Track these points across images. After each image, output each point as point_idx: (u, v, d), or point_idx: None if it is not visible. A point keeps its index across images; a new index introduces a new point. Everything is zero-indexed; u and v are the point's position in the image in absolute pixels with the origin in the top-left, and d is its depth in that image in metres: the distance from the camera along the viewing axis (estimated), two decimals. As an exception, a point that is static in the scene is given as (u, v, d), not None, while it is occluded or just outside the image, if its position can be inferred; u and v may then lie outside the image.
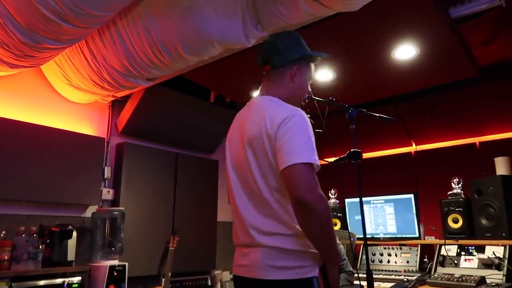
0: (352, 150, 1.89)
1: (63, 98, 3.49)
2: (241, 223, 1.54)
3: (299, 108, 1.52)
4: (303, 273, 1.39)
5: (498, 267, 2.66)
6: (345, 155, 1.93)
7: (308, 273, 1.39)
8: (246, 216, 1.52)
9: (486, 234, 2.87)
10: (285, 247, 1.41)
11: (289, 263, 1.40)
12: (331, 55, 3.19)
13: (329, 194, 4.19)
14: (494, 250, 2.75)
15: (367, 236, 3.58)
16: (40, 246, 2.83)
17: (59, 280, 2.82)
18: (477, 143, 3.99)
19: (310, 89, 1.74)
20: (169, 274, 3.61)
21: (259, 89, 1.69)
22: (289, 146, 1.40)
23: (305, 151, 1.38)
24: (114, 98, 3.75)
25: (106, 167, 3.68)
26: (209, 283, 4.31)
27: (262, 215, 1.47)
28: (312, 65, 1.72)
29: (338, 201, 4.15)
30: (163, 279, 3.64)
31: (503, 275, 2.59)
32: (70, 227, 3.05)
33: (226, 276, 4.52)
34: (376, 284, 2.91)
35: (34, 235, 2.84)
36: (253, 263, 1.46)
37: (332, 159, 2.08)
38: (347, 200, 3.98)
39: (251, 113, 1.59)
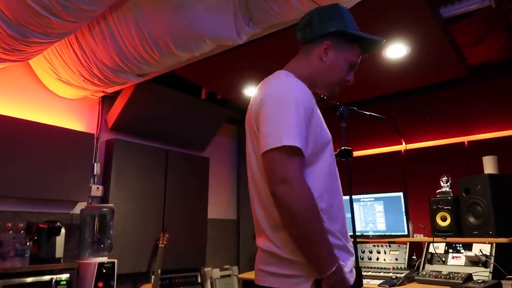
0: (342, 148, 1.89)
1: (52, 93, 3.44)
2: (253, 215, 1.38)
3: (295, 80, 1.31)
4: (292, 283, 1.19)
5: (485, 265, 2.69)
6: (336, 153, 1.93)
7: (297, 285, 1.18)
8: (253, 211, 1.36)
9: (474, 232, 2.90)
10: (274, 252, 1.23)
11: (279, 270, 1.22)
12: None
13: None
14: (481, 248, 2.78)
15: (357, 233, 3.62)
16: (28, 243, 2.79)
17: (47, 277, 2.79)
18: (466, 142, 4.03)
19: (351, 78, 1.46)
20: (159, 271, 3.60)
21: None
22: (263, 128, 1.22)
23: (278, 132, 1.17)
24: (104, 94, 3.72)
25: (95, 164, 3.64)
26: (199, 280, 4.30)
27: (260, 211, 1.30)
28: (357, 48, 1.44)
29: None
30: (153, 276, 3.63)
31: (490, 272, 2.62)
32: (58, 223, 3.02)
33: (216, 273, 4.52)
34: (365, 281, 2.94)
35: (22, 231, 2.80)
36: (255, 265, 1.33)
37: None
38: (337, 198, 3.99)
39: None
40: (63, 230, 3.02)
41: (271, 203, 1.21)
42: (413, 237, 3.44)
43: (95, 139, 3.67)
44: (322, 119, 1.34)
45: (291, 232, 1.17)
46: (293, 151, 1.17)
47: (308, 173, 1.22)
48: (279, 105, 1.22)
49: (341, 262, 1.20)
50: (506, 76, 3.52)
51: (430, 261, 3.03)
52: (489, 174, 2.95)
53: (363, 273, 3.12)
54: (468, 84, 3.68)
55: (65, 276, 2.88)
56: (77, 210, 3.45)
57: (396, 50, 3.09)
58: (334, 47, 1.38)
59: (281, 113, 1.20)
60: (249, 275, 3.23)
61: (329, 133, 1.35)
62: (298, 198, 1.13)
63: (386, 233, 3.59)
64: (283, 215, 1.17)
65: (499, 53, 3.37)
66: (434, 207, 3.21)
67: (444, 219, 3.13)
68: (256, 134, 1.29)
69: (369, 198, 3.78)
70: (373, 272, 3.21)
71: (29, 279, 2.71)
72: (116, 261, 3.23)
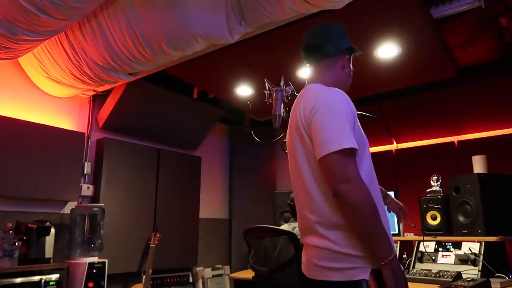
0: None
1: (42, 92, 3.41)
2: (298, 215, 1.52)
3: (337, 90, 1.47)
4: (351, 275, 1.30)
5: (474, 263, 2.73)
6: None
7: (357, 276, 1.29)
8: (298, 210, 1.50)
9: (463, 231, 2.93)
10: (332, 249, 1.34)
11: (336, 264, 1.33)
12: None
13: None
14: (470, 246, 2.81)
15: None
16: (17, 243, 2.76)
17: (36, 278, 2.76)
18: (456, 141, 4.07)
19: None
20: (150, 271, 3.58)
21: (308, 77, 1.66)
22: (319, 134, 1.36)
23: (336, 137, 1.31)
24: (95, 93, 3.68)
25: (86, 163, 3.61)
26: (191, 280, 4.29)
27: (312, 213, 1.41)
28: None
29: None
30: (144, 276, 3.61)
31: (478, 271, 2.65)
32: (48, 223, 2.99)
33: (208, 273, 4.51)
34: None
35: (10, 231, 2.77)
36: (306, 261, 1.44)
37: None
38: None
39: (297, 101, 1.57)
40: (52, 230, 2.99)
41: (325, 206, 1.36)
42: (403, 236, 3.47)
43: (85, 138, 3.64)
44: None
45: (357, 227, 1.29)
46: (350, 152, 1.31)
47: None
48: (332, 113, 1.37)
49: None
50: (496, 76, 3.56)
51: (420, 260, 3.05)
52: (479, 174, 2.98)
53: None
54: (459, 85, 3.71)
55: (54, 276, 2.86)
56: (67, 209, 3.42)
57: (387, 50, 3.11)
58: (349, 59, 1.65)
59: (335, 120, 1.35)
60: (241, 274, 3.23)
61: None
62: (362, 195, 1.27)
63: (377, 232, 3.61)
64: (347, 211, 1.29)
65: (489, 53, 3.40)
66: (425, 206, 3.23)
67: (434, 218, 3.16)
68: (307, 142, 1.42)
69: (361, 197, 3.80)
70: (364, 271, 3.23)
71: (18, 280, 2.68)
72: (106, 261, 3.21)
